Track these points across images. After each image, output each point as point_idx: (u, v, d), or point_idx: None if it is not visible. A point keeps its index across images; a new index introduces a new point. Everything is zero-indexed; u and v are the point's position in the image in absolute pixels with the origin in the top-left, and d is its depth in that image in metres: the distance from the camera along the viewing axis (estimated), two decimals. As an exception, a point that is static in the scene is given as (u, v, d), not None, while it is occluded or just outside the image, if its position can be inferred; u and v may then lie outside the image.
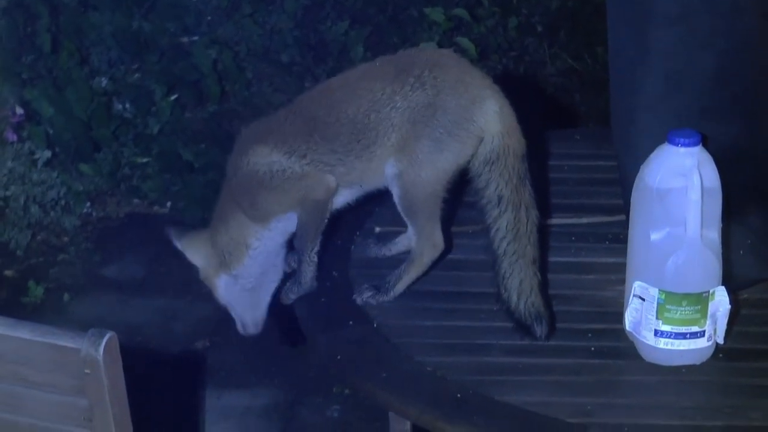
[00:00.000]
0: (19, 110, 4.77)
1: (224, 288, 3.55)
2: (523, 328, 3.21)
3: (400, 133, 3.33)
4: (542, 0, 6.19)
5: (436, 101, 3.29)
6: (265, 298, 3.59)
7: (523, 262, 3.22)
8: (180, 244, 3.59)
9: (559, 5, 6.17)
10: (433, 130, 3.28)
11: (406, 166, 3.33)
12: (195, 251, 3.57)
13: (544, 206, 3.64)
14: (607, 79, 3.41)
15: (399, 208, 3.42)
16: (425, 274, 3.47)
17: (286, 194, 3.50)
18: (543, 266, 3.29)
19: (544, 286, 3.25)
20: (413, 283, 3.48)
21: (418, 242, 3.43)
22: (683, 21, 3.08)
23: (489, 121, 3.28)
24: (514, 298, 3.21)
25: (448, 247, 3.47)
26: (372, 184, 3.53)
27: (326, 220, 3.54)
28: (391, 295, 3.46)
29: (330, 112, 3.43)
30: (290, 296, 3.72)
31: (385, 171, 3.41)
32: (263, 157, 3.47)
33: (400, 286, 3.45)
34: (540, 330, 3.18)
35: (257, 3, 5.83)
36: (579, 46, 6.04)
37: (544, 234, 3.39)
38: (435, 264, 3.46)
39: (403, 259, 3.48)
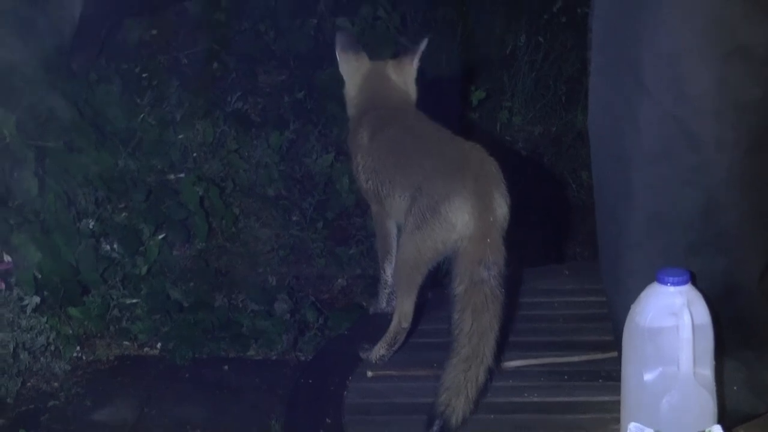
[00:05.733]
0: (7, 258, 4.76)
1: None
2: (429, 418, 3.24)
3: None
4: (525, 126, 6.25)
5: None
6: None
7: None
8: None
9: (541, 131, 6.23)
10: None
11: None
12: None
13: (536, 345, 3.63)
14: (593, 204, 3.38)
15: None
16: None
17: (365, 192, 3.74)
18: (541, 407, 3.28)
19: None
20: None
21: None
22: (666, 159, 3.07)
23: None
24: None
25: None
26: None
27: (388, 245, 3.73)
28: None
29: (396, 179, 3.58)
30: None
31: None
32: (363, 156, 3.70)
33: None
34: (434, 427, 3.20)
35: (242, 138, 5.87)
36: (563, 171, 6.07)
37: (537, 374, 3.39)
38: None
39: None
